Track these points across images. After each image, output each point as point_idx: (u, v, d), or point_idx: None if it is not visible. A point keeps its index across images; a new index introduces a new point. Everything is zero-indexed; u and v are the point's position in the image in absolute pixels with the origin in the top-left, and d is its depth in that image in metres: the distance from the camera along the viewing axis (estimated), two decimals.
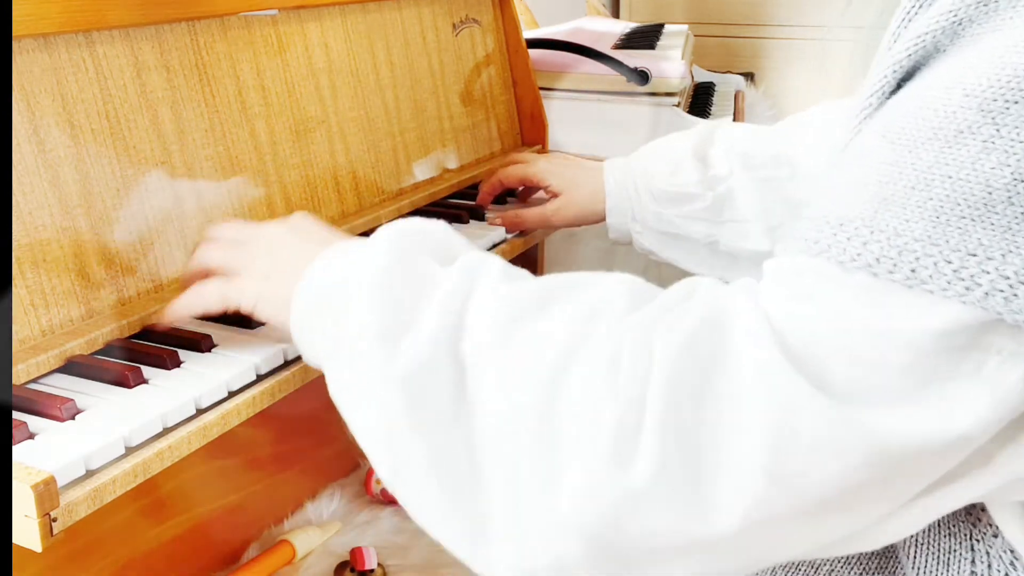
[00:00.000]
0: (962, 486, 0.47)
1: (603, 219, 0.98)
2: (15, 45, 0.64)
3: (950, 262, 0.41)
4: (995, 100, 0.41)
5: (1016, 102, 0.40)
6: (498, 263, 0.53)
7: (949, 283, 0.41)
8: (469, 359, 0.48)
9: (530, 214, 1.00)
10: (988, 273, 0.40)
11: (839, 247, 0.44)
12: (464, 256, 0.54)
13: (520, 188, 1.08)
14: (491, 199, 1.06)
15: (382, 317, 0.50)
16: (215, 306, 0.64)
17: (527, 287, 0.51)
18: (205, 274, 0.66)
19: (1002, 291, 0.40)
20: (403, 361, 0.49)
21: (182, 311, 0.65)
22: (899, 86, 0.47)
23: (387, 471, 0.51)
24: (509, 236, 0.99)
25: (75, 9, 0.67)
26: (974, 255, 0.41)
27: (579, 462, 0.45)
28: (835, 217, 0.44)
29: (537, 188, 1.04)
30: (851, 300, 0.43)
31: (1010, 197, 0.40)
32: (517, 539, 0.47)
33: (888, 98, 0.47)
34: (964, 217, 0.41)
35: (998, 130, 0.41)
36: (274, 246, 0.63)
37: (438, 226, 0.58)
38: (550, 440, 0.46)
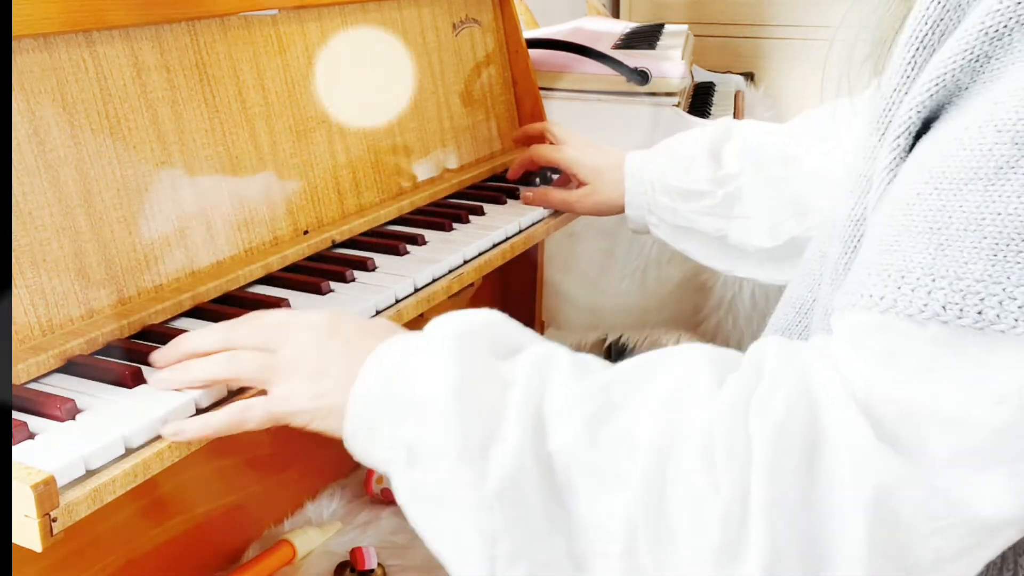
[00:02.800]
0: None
1: (623, 211, 1.03)
2: (15, 45, 0.64)
3: (1015, 298, 0.41)
4: None
5: None
6: (564, 353, 0.52)
7: (1016, 320, 0.40)
8: (557, 462, 0.47)
9: (555, 195, 1.07)
10: None
11: (905, 300, 0.43)
12: (528, 349, 0.52)
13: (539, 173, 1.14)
14: (521, 173, 1.14)
15: (462, 431, 0.48)
16: (260, 424, 0.59)
17: (602, 378, 0.50)
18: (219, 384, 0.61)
19: None
20: (494, 474, 0.47)
21: (225, 430, 0.59)
22: (925, 126, 0.47)
23: None
24: (510, 236, 0.99)
25: (75, 9, 0.67)
26: None
27: (691, 561, 0.44)
28: (895, 270, 0.44)
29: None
30: (929, 355, 0.43)
31: None
32: None
33: (916, 139, 0.47)
34: (1021, 251, 0.41)
35: None
36: (309, 352, 0.58)
37: (492, 317, 0.55)
38: (660, 541, 0.45)
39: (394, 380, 0.53)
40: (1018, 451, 0.42)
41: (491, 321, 0.55)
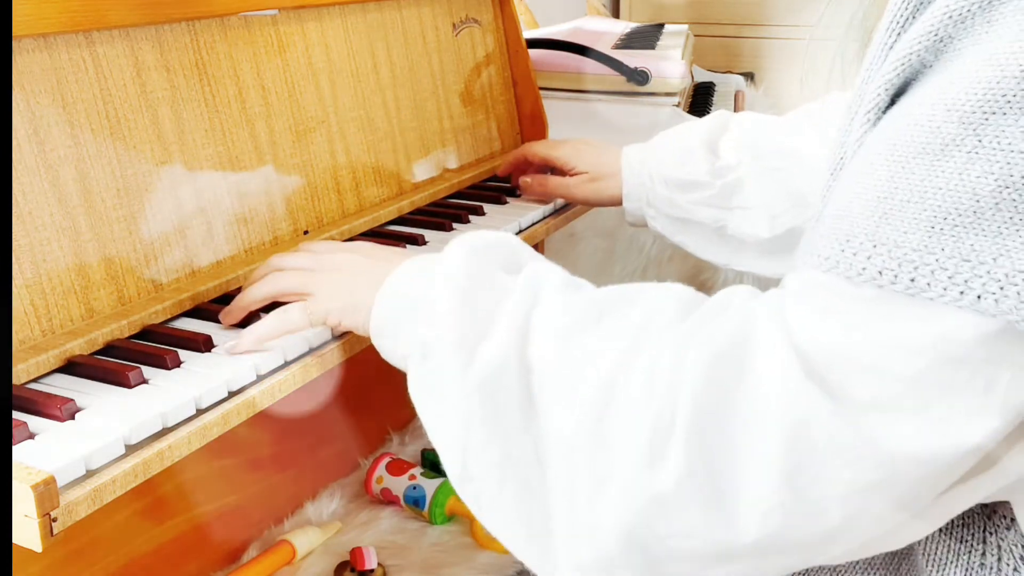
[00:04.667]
0: (971, 487, 0.48)
1: (620, 203, 1.03)
2: (15, 45, 0.64)
3: (945, 269, 0.43)
4: (974, 112, 0.43)
5: (993, 113, 0.42)
6: (560, 273, 0.58)
7: (945, 289, 0.43)
8: (535, 366, 0.52)
9: (553, 181, 1.06)
10: (980, 277, 0.42)
11: (847, 262, 0.46)
12: (529, 266, 0.58)
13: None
14: (511, 171, 1.12)
15: (459, 328, 0.54)
16: (302, 327, 0.67)
17: (585, 297, 0.55)
18: (270, 299, 0.69)
19: (993, 293, 0.42)
20: (478, 367, 0.53)
21: (270, 334, 0.66)
22: (893, 101, 0.49)
23: (458, 471, 0.55)
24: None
25: (75, 9, 0.67)
26: (967, 261, 0.42)
27: (621, 467, 0.49)
28: (842, 233, 0.46)
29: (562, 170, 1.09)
30: (861, 313, 0.45)
31: (997, 203, 0.42)
32: (574, 540, 0.51)
33: (884, 113, 0.49)
34: (956, 225, 0.43)
35: (980, 140, 0.42)
36: (344, 267, 0.67)
37: (506, 238, 0.62)
38: (600, 447, 0.49)
39: (414, 284, 0.60)
40: (928, 398, 0.44)
41: (503, 241, 0.61)
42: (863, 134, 0.50)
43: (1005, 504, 0.56)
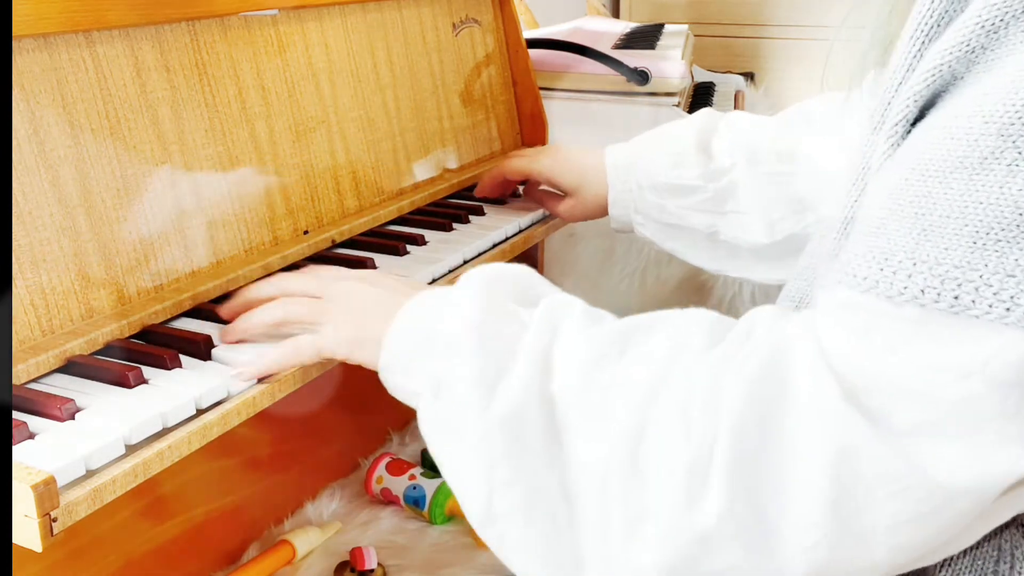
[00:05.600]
0: (1008, 504, 0.48)
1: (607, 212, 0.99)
2: (15, 45, 0.64)
3: (990, 285, 0.42)
4: (1012, 124, 0.42)
5: None
6: (579, 305, 0.56)
7: (991, 306, 0.42)
8: (559, 400, 0.51)
9: (547, 202, 1.03)
10: None
11: (886, 282, 0.45)
12: (547, 299, 0.56)
13: (523, 183, 1.08)
14: (491, 192, 1.07)
15: (478, 364, 0.53)
16: (311, 360, 0.66)
17: (608, 329, 0.54)
18: (278, 326, 0.67)
19: None
20: (499, 404, 0.51)
21: (278, 366, 0.65)
22: (922, 114, 0.48)
23: (480, 512, 0.53)
24: (510, 236, 0.99)
25: (75, 9, 0.67)
26: (1012, 276, 0.41)
27: (658, 504, 0.47)
28: (880, 252, 0.45)
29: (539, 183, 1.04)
30: (904, 334, 0.44)
31: None
32: None
33: (912, 126, 0.48)
34: (1000, 240, 0.42)
35: (1020, 152, 0.42)
36: (354, 297, 0.65)
37: (520, 269, 0.61)
38: (634, 484, 0.48)
39: (427, 319, 0.58)
40: (977, 423, 0.43)
41: (519, 272, 0.61)
42: (891, 147, 0.49)
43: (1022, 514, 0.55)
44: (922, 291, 0.43)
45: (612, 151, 0.99)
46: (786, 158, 0.91)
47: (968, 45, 0.45)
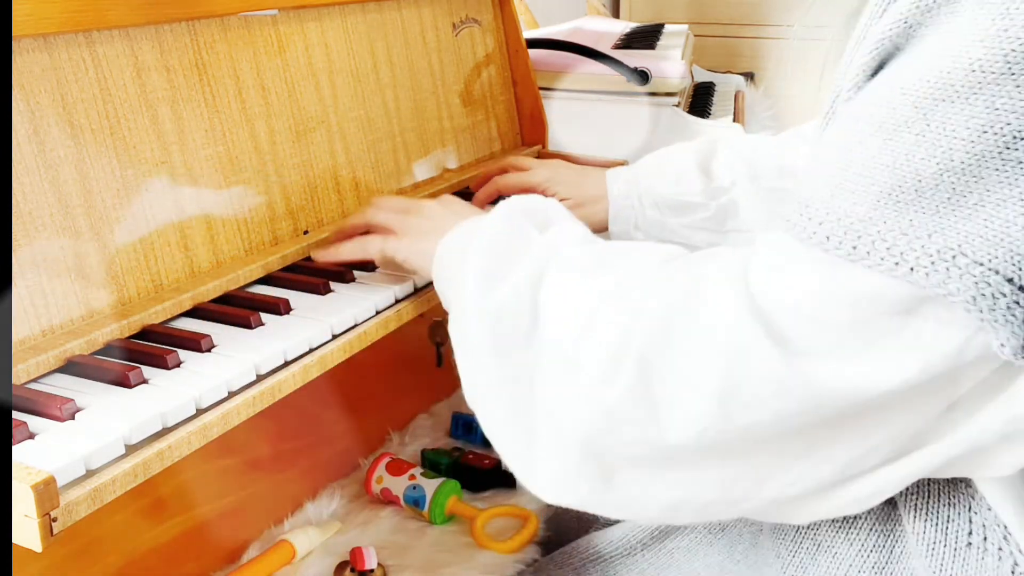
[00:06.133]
0: (917, 458, 0.53)
1: (605, 228, 1.00)
2: (15, 45, 0.64)
3: (885, 240, 0.46)
4: (925, 98, 0.46)
5: (943, 100, 0.45)
6: (579, 231, 0.67)
7: (882, 259, 0.46)
8: (542, 302, 0.60)
9: None
10: (915, 251, 0.46)
11: (801, 226, 0.50)
12: (556, 225, 0.67)
13: None
14: (485, 206, 1.04)
15: (484, 265, 0.63)
16: (376, 255, 0.79)
17: (594, 248, 0.64)
18: (364, 229, 0.82)
19: (924, 267, 0.45)
20: (492, 298, 0.61)
21: (347, 255, 0.80)
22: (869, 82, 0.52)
23: (468, 388, 0.63)
24: None
25: (75, 9, 0.67)
26: (905, 235, 0.46)
27: (583, 381, 0.55)
28: (803, 198, 0.51)
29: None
30: (807, 271, 0.50)
31: (937, 184, 0.45)
32: (547, 451, 0.57)
33: (859, 92, 0.52)
34: (899, 202, 0.46)
35: (928, 125, 0.46)
36: (428, 214, 0.78)
37: (544, 202, 0.71)
38: (574, 362, 0.56)
39: (464, 238, 0.69)
40: (858, 346, 0.48)
41: (541, 204, 0.70)
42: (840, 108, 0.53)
43: (986, 483, 0.59)
44: (827, 238, 0.48)
45: (615, 169, 1.01)
46: (785, 174, 0.94)
47: (906, 21, 0.49)
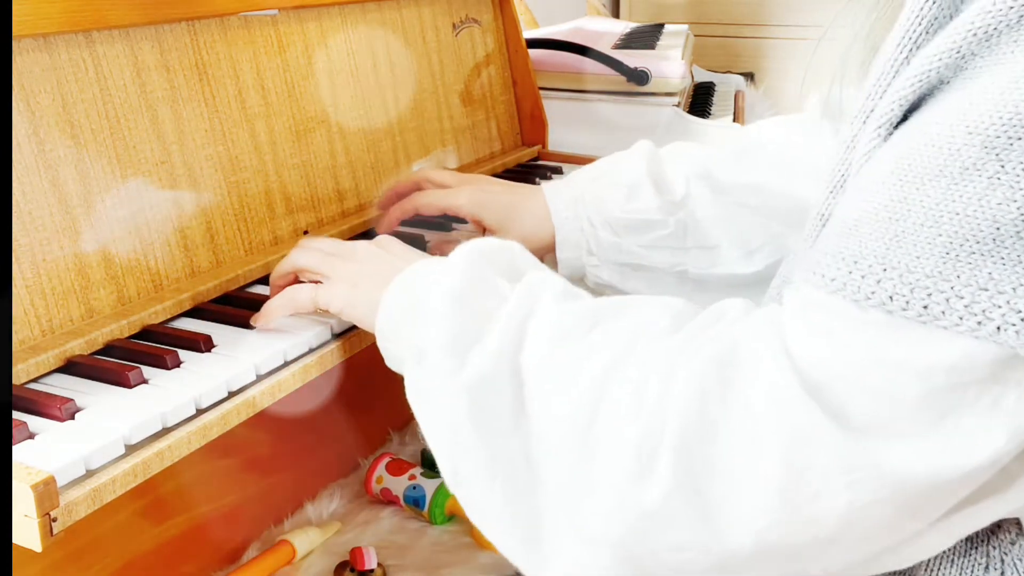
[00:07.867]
0: (986, 507, 0.48)
1: (549, 251, 0.87)
2: (15, 45, 0.64)
3: (961, 298, 0.41)
4: (998, 137, 0.41)
5: (1020, 138, 0.41)
6: (559, 283, 0.57)
7: (961, 319, 0.41)
8: (526, 373, 0.52)
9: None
10: (1000, 307, 0.41)
11: (854, 285, 0.44)
12: (529, 275, 0.58)
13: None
14: (393, 228, 0.90)
15: (453, 331, 0.54)
16: (307, 308, 0.69)
17: (581, 306, 0.55)
18: (293, 277, 0.72)
19: (1014, 325, 0.40)
20: (469, 372, 0.53)
21: (277, 312, 0.69)
22: (905, 117, 0.47)
23: (449, 473, 0.55)
24: None
25: (75, 9, 0.67)
26: (985, 290, 0.41)
27: (607, 478, 0.48)
28: (850, 254, 0.45)
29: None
30: (867, 337, 0.44)
31: (1018, 232, 0.40)
32: (564, 545, 0.51)
33: (895, 129, 0.48)
34: (974, 253, 0.41)
35: (1003, 166, 0.41)
36: (362, 259, 0.68)
37: (510, 245, 0.62)
38: (588, 454, 0.49)
39: (417, 288, 0.60)
40: (933, 421, 0.43)
41: (506, 247, 0.62)
42: (872, 149, 0.48)
43: (1011, 519, 0.55)
44: (890, 297, 0.43)
45: (550, 186, 0.88)
46: (753, 190, 0.85)
47: (959, 51, 0.44)
